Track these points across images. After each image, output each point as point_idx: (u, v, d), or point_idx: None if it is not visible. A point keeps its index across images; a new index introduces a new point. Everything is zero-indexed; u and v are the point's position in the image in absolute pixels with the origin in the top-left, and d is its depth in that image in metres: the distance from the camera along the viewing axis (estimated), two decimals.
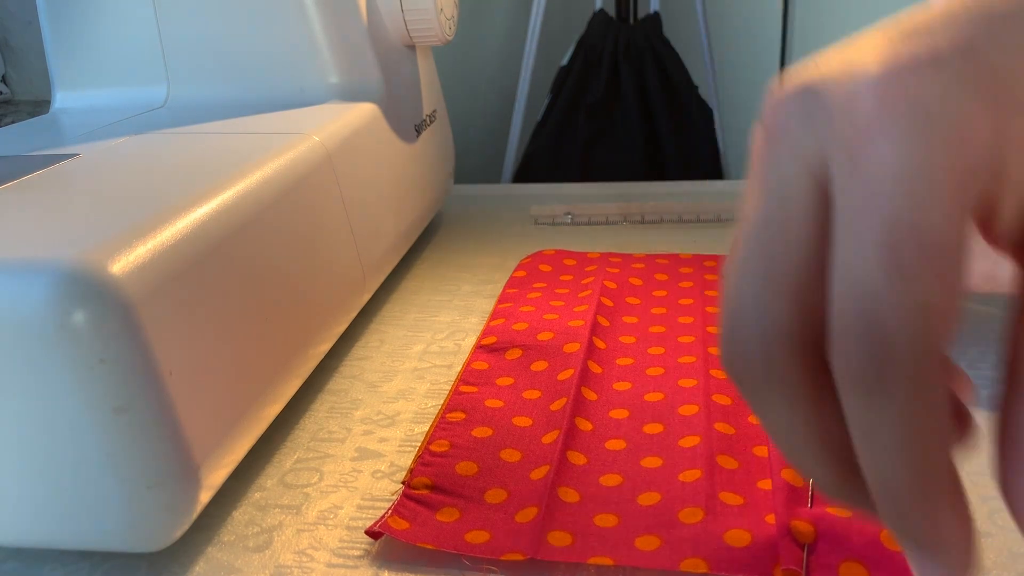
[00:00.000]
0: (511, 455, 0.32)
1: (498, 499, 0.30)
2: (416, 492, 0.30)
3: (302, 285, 0.36)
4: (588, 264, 0.51)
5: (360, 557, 0.29)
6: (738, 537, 0.27)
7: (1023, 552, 0.27)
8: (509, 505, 0.30)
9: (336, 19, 0.46)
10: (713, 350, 0.39)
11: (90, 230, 0.27)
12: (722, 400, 0.35)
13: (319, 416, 0.37)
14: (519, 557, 0.27)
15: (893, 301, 0.15)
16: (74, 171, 0.36)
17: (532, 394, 0.36)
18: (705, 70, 1.33)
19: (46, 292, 0.24)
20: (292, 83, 0.47)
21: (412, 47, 0.54)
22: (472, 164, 1.54)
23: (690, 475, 0.30)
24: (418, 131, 0.53)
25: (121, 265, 0.26)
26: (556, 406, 0.35)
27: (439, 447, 0.33)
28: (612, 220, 0.60)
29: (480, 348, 0.41)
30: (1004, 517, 0.29)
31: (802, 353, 0.17)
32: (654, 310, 0.45)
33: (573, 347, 0.39)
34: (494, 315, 0.44)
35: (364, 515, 0.31)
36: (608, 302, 0.45)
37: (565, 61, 1.28)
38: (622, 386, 0.37)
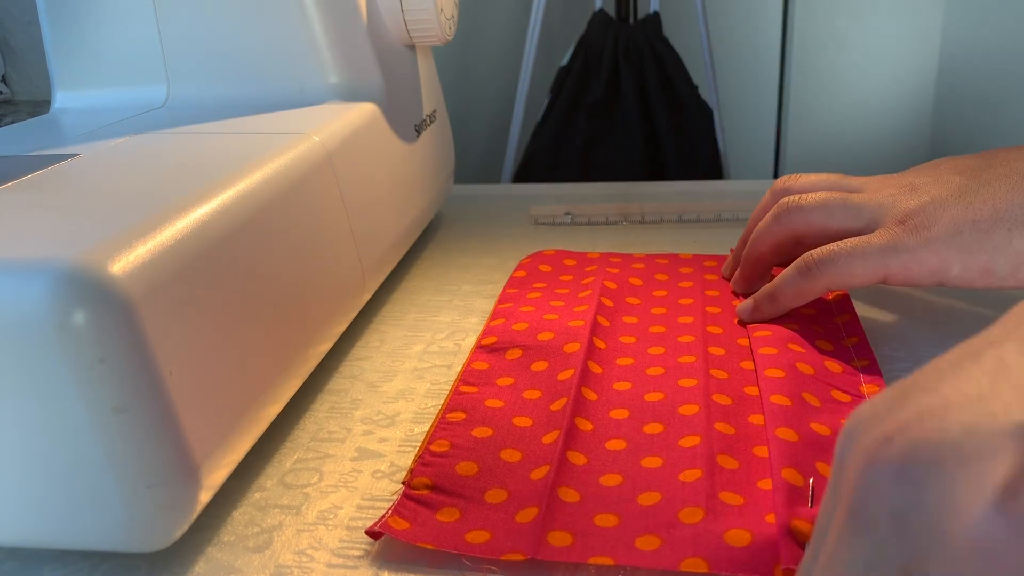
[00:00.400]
0: (511, 455, 0.32)
1: (498, 499, 0.30)
2: (416, 492, 0.30)
3: (302, 285, 0.36)
4: (588, 264, 0.51)
5: (360, 557, 0.29)
6: (738, 537, 0.27)
7: None
8: (509, 505, 0.30)
9: (336, 19, 0.46)
10: (713, 350, 0.39)
11: (90, 230, 0.27)
12: (722, 400, 0.35)
13: (319, 416, 0.37)
14: (519, 557, 0.27)
15: None
16: (74, 171, 0.36)
17: (532, 394, 0.36)
18: (705, 70, 1.33)
19: (46, 292, 0.24)
20: (292, 83, 0.47)
21: (412, 47, 0.54)
22: (472, 164, 1.54)
23: (690, 475, 0.30)
24: (418, 131, 0.53)
25: (121, 265, 0.26)
26: (556, 406, 0.35)
27: (439, 447, 0.33)
28: (612, 220, 0.60)
29: (480, 348, 0.41)
30: None
31: None
32: (654, 310, 0.45)
33: (573, 347, 0.39)
34: (494, 315, 0.44)
35: (364, 515, 0.31)
36: (608, 302, 0.45)
37: (565, 61, 1.28)
38: (622, 386, 0.37)
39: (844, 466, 0.16)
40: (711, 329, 0.42)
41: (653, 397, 0.36)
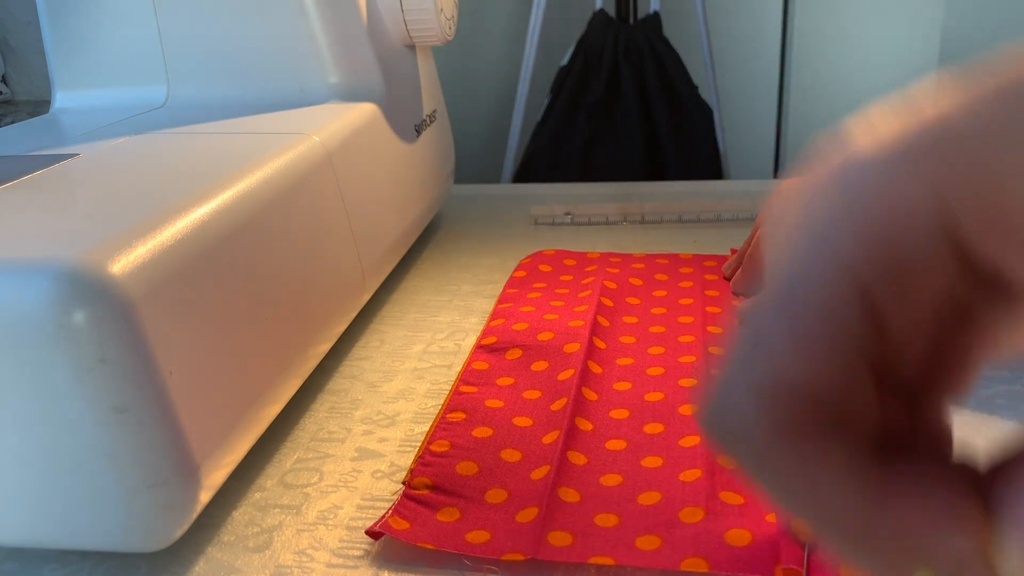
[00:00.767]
0: (511, 455, 0.32)
1: (498, 499, 0.30)
2: (416, 492, 0.30)
3: (302, 285, 0.36)
4: (588, 264, 0.51)
5: (360, 557, 0.29)
6: (739, 536, 0.27)
7: None
8: (509, 505, 0.30)
9: (336, 19, 0.46)
10: (713, 350, 0.39)
11: (90, 230, 0.27)
12: None
13: (319, 416, 0.37)
14: (519, 557, 0.27)
15: None
16: (74, 171, 0.36)
17: (532, 394, 0.36)
18: (705, 70, 1.33)
19: (46, 292, 0.24)
20: (292, 83, 0.47)
21: (412, 47, 0.54)
22: (472, 164, 1.54)
23: (690, 475, 0.30)
24: (418, 131, 0.53)
25: (121, 265, 0.26)
26: (556, 406, 0.35)
27: (439, 447, 0.33)
28: (612, 220, 0.60)
29: (480, 348, 0.41)
30: None
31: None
32: (654, 310, 0.45)
33: (573, 347, 0.39)
34: (494, 315, 0.44)
35: (364, 515, 0.31)
36: (608, 302, 0.45)
37: (565, 61, 1.28)
38: (622, 386, 0.37)
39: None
40: (711, 329, 0.42)
41: (653, 397, 0.36)
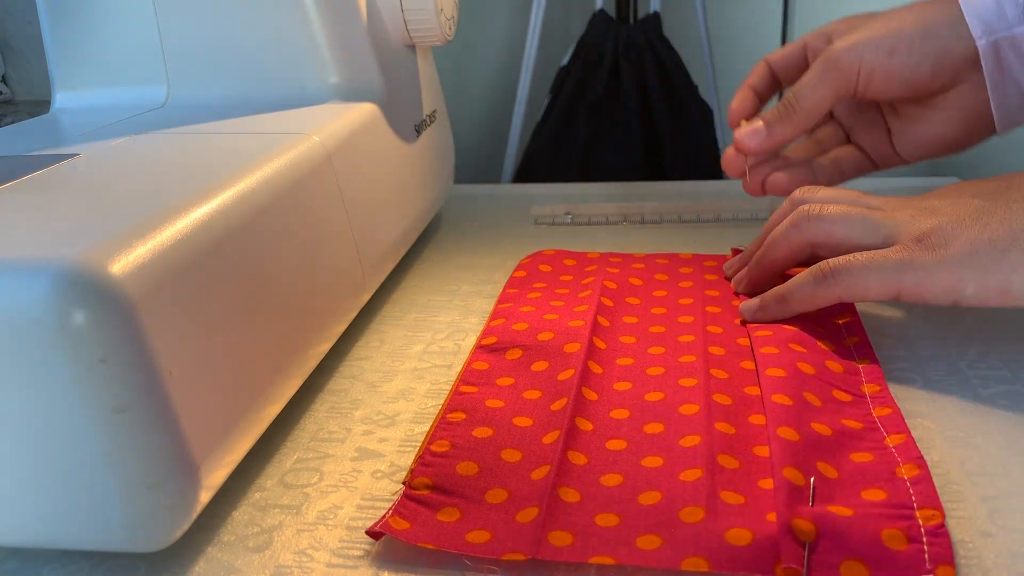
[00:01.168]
0: (512, 455, 0.32)
1: (499, 499, 0.30)
2: (417, 492, 0.30)
3: (302, 285, 0.36)
4: (588, 264, 0.51)
5: (360, 557, 0.29)
6: (739, 536, 0.27)
7: (1023, 552, 0.27)
8: (510, 505, 0.30)
9: (336, 19, 0.46)
10: (713, 349, 0.39)
11: (90, 230, 0.27)
12: (723, 400, 0.35)
13: (319, 416, 0.37)
14: (520, 557, 0.27)
15: None
16: (74, 171, 0.36)
17: (532, 394, 0.36)
18: (705, 70, 1.33)
19: (46, 292, 0.24)
20: (292, 83, 0.47)
21: (412, 47, 0.54)
22: (472, 164, 1.54)
23: (691, 474, 0.30)
24: (418, 131, 0.53)
25: (121, 265, 0.26)
26: (556, 406, 0.35)
27: (440, 447, 0.33)
28: (612, 220, 0.60)
29: (480, 348, 0.41)
30: (1004, 517, 0.29)
31: None
32: (654, 310, 0.45)
33: (573, 347, 0.39)
34: (494, 315, 0.44)
35: (364, 515, 0.31)
36: (608, 302, 0.45)
37: (565, 61, 1.28)
38: (622, 386, 0.37)
39: None
40: (711, 329, 0.42)
41: (653, 397, 0.36)
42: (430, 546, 0.28)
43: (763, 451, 0.32)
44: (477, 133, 1.55)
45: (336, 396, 0.39)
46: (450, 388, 0.37)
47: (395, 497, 0.31)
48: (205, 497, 0.28)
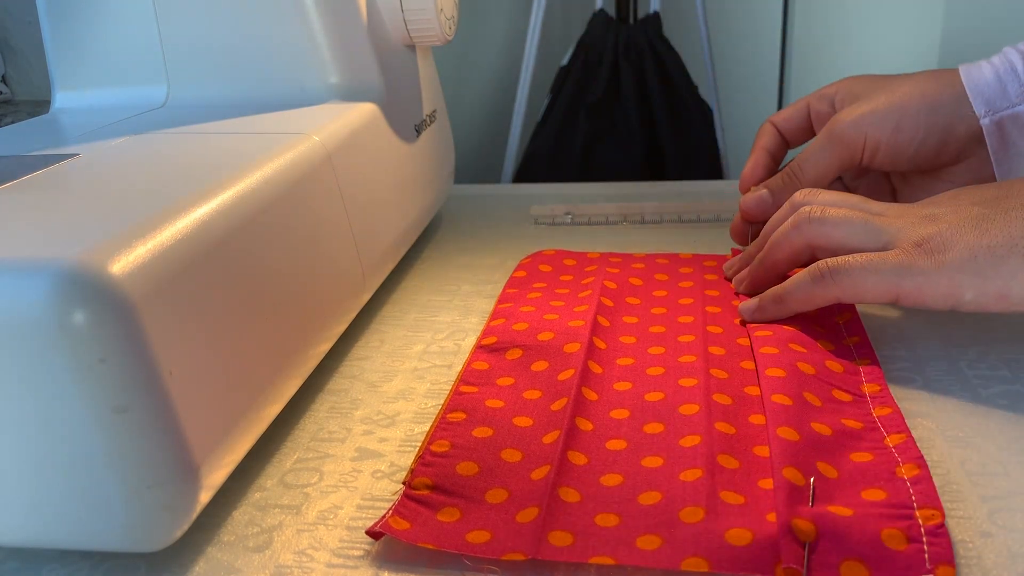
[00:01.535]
0: (512, 455, 0.32)
1: (499, 499, 0.30)
2: (417, 492, 0.30)
3: (302, 285, 0.36)
4: (588, 264, 0.51)
5: (360, 557, 0.29)
6: (739, 536, 0.27)
7: (1023, 552, 0.27)
8: (510, 505, 0.30)
9: (336, 19, 0.46)
10: (713, 349, 0.39)
11: (90, 230, 0.27)
12: (723, 400, 0.35)
13: (319, 416, 0.37)
14: (520, 557, 0.27)
15: None
16: (74, 171, 0.36)
17: (532, 394, 0.36)
18: (705, 70, 1.33)
19: (46, 292, 0.24)
20: (292, 83, 0.47)
21: (412, 47, 0.54)
22: (472, 164, 1.54)
23: (691, 474, 0.30)
24: (418, 131, 0.53)
25: (121, 265, 0.26)
26: (556, 406, 0.35)
27: (440, 447, 0.33)
28: (612, 220, 0.60)
29: (480, 348, 0.41)
30: (1004, 517, 0.29)
31: None
32: (654, 310, 0.45)
33: (573, 347, 0.39)
34: (494, 315, 0.44)
35: (364, 515, 0.31)
36: (608, 302, 0.45)
37: (565, 61, 1.28)
38: (622, 386, 0.37)
39: None
40: (711, 329, 0.42)
41: (653, 397, 0.36)
42: (430, 546, 0.28)
43: (763, 451, 0.32)
44: (477, 133, 1.55)
45: (336, 396, 0.39)
46: (450, 388, 0.37)
47: (395, 497, 0.31)
48: (205, 497, 0.28)
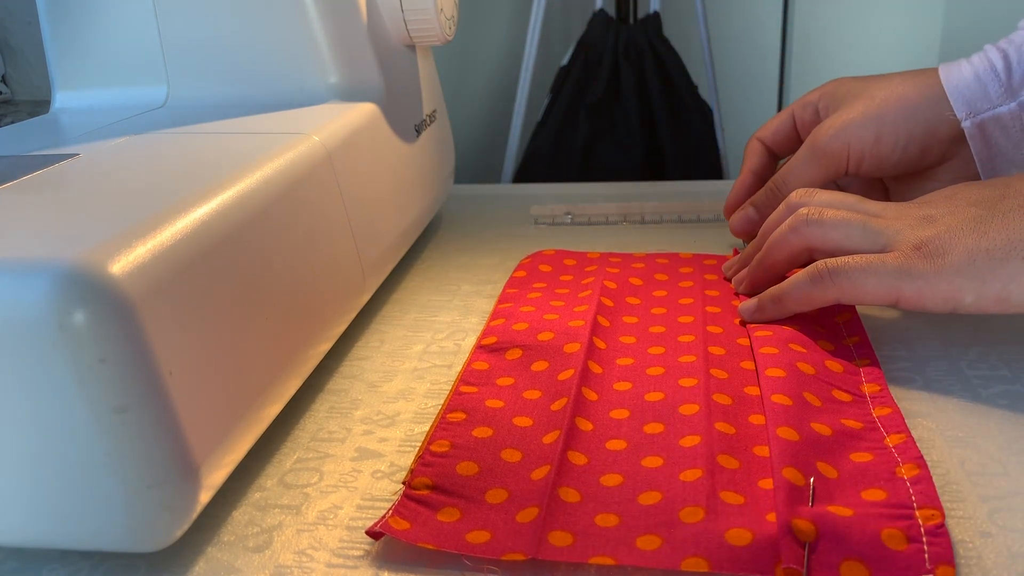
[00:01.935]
0: (512, 455, 0.32)
1: (499, 499, 0.30)
2: (417, 492, 0.30)
3: (302, 285, 0.36)
4: (588, 264, 0.51)
5: (360, 557, 0.29)
6: (739, 536, 0.27)
7: (1023, 552, 0.27)
8: (510, 505, 0.30)
9: (336, 19, 0.46)
10: (713, 349, 0.39)
11: (90, 230, 0.27)
12: (722, 400, 0.35)
13: (319, 416, 0.37)
14: (520, 557, 0.27)
15: None
16: (74, 171, 0.36)
17: (532, 394, 0.36)
18: (705, 70, 1.33)
19: (46, 292, 0.24)
20: (292, 83, 0.47)
21: (412, 47, 0.54)
22: (472, 164, 1.54)
23: (691, 474, 0.30)
24: (418, 131, 0.53)
25: (121, 265, 0.26)
26: (556, 406, 0.35)
27: (440, 447, 0.33)
28: (612, 220, 0.60)
29: (480, 348, 0.41)
30: (1004, 517, 0.29)
31: None
32: (654, 310, 0.45)
33: (573, 347, 0.39)
34: (494, 315, 0.44)
35: (364, 515, 0.31)
36: (608, 302, 0.45)
37: (565, 61, 1.28)
38: (622, 386, 0.37)
39: None
40: (711, 329, 0.42)
41: (653, 397, 0.36)
42: (430, 546, 0.28)
43: (763, 451, 0.32)
44: (477, 133, 1.55)
45: (336, 396, 0.39)
46: (450, 388, 0.37)
47: (395, 497, 0.31)
48: (205, 497, 0.28)
